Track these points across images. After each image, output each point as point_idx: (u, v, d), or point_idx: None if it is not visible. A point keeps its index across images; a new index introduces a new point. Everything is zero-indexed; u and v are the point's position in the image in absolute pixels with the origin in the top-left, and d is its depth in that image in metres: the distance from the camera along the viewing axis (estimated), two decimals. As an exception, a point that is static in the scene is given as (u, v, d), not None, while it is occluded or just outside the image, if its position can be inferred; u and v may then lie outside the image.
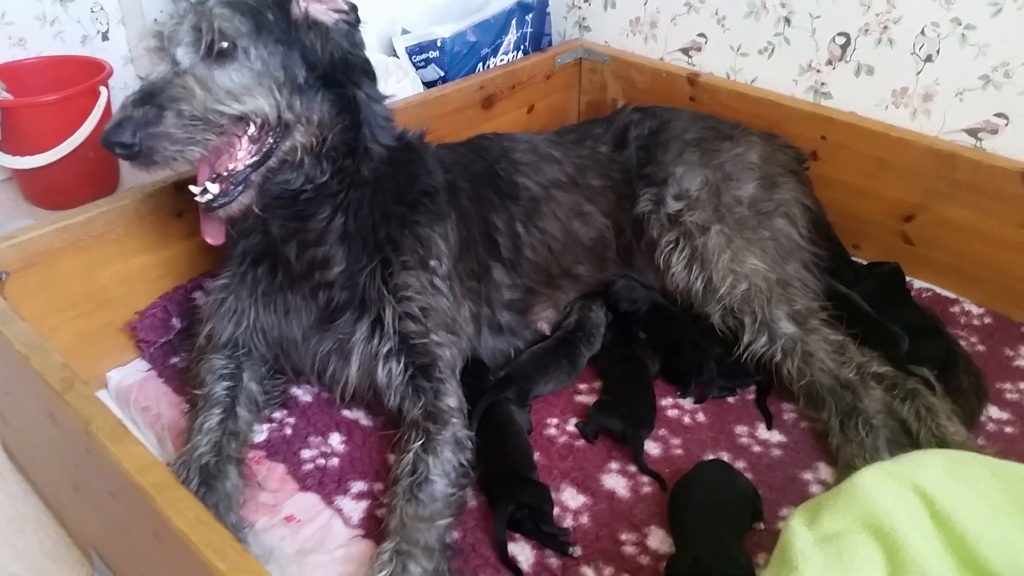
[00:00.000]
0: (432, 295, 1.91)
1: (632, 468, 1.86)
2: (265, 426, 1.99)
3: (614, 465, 1.88)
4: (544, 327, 2.20)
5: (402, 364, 1.85)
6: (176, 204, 2.13)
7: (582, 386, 2.12)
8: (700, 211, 2.19)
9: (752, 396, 2.08)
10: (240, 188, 1.69)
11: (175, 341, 2.15)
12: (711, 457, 1.89)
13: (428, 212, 1.93)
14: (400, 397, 1.85)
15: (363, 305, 1.88)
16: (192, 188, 1.69)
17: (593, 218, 2.27)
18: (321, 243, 1.84)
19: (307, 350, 1.94)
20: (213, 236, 1.76)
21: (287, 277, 1.90)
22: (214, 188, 1.68)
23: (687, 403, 2.06)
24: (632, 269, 2.30)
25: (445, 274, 1.95)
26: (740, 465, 1.87)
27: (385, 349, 1.86)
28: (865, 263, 2.42)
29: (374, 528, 1.69)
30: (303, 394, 2.09)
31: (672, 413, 2.04)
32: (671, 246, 2.20)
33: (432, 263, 1.93)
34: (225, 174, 1.68)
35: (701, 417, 2.03)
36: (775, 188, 2.27)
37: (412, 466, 1.67)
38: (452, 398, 1.83)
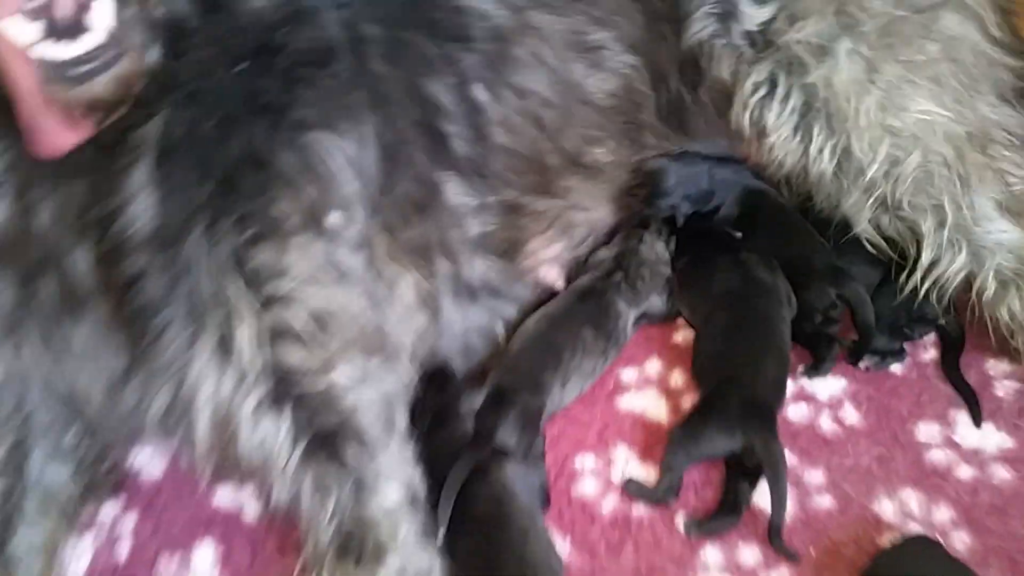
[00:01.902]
0: (334, 284, 0.94)
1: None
2: (86, 540, 1.08)
3: (713, 557, 1.00)
4: (551, 276, 1.24)
5: (284, 429, 0.91)
6: None
7: (628, 371, 1.20)
8: (810, 20, 1.17)
9: (931, 358, 1.17)
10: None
11: None
12: (898, 531, 1.00)
13: (319, 98, 1.03)
14: (292, 492, 0.93)
15: (197, 311, 0.91)
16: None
17: (609, 55, 1.24)
18: (116, 188, 0.88)
19: (117, 407, 0.99)
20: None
21: (64, 286, 0.92)
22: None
23: (822, 385, 1.15)
24: (691, 138, 1.30)
25: (357, 238, 0.98)
26: (942, 515, 1.00)
27: (246, 399, 0.91)
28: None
29: None
30: (148, 463, 1.17)
31: (797, 413, 1.13)
32: (761, 92, 1.20)
33: (332, 217, 0.96)
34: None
35: (851, 415, 1.12)
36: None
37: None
38: (390, 489, 0.92)
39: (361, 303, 0.96)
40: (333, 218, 0.97)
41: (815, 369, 1.13)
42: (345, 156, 1.01)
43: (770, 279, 1.16)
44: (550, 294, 1.22)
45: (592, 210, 1.25)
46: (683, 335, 1.23)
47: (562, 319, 1.15)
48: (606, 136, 1.24)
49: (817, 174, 1.17)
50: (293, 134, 0.97)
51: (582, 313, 1.15)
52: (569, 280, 1.23)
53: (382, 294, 1.01)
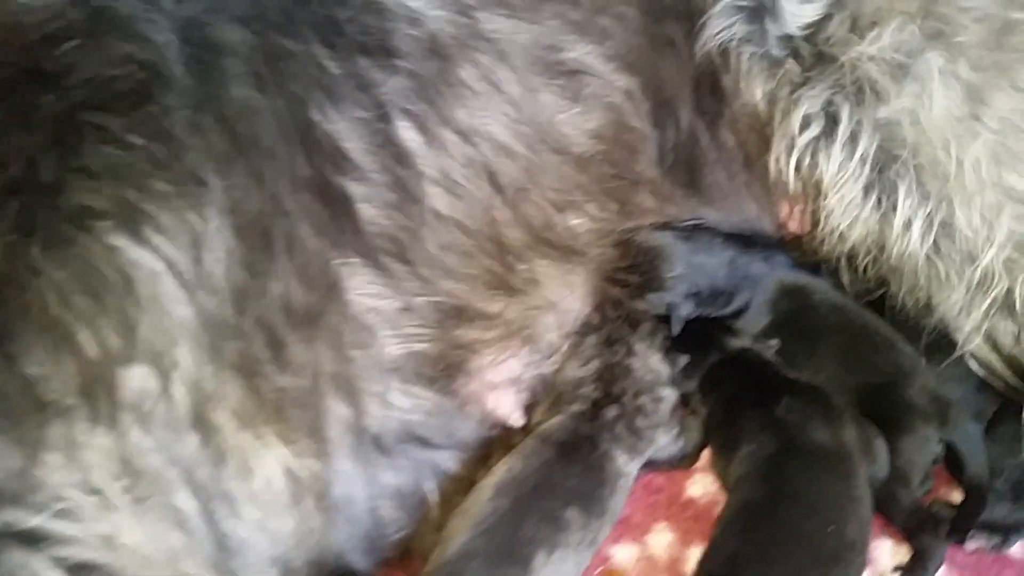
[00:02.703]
0: (129, 508, 0.57)
1: None
2: None
3: None
4: (504, 406, 0.83)
5: None
6: None
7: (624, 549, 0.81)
8: (885, 25, 0.79)
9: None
10: None
11: None
12: None
13: (121, 164, 0.67)
14: None
15: None
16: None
17: (592, 79, 0.84)
18: None
19: None
20: None
21: None
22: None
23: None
24: (707, 201, 0.91)
25: (183, 410, 0.63)
26: None
27: None
28: None
29: None
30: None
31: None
32: (814, 129, 0.83)
33: (135, 380, 0.60)
34: None
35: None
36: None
37: None
38: None
39: (176, 541, 0.57)
40: (136, 381, 0.58)
41: (915, 571, 0.75)
42: (164, 262, 0.62)
43: (829, 438, 0.76)
44: (506, 432, 0.82)
45: (563, 307, 0.85)
46: (702, 487, 0.85)
47: (533, 493, 0.74)
48: (586, 198, 0.83)
49: (900, 256, 0.80)
50: (67, 234, 0.58)
51: (564, 480, 0.76)
52: (529, 410, 0.84)
53: (219, 503, 0.63)
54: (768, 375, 0.82)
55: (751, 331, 0.85)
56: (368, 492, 0.75)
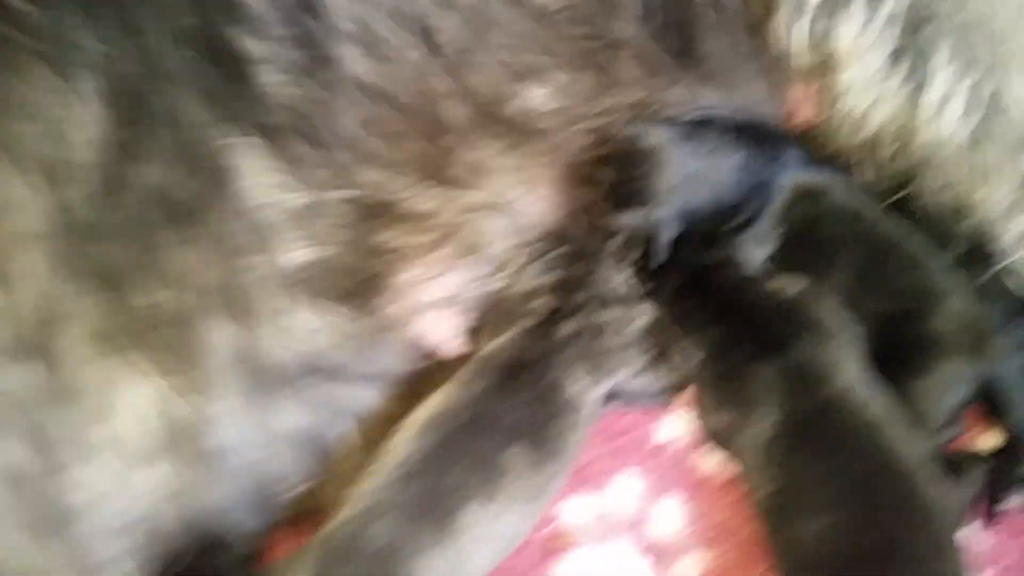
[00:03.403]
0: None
1: None
2: None
3: None
4: (440, 333, 0.64)
5: None
6: None
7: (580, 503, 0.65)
8: None
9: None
10: None
11: None
12: None
13: None
14: None
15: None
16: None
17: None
18: None
19: None
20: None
21: None
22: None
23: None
24: (704, 75, 0.71)
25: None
26: None
27: None
28: None
29: None
30: None
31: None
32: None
33: None
34: None
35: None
36: None
37: None
38: None
39: None
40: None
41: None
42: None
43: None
44: (438, 367, 0.65)
45: (520, 207, 0.66)
46: (674, 430, 0.68)
47: (465, 431, 0.58)
48: (550, 63, 0.64)
49: (935, 142, 0.64)
50: None
51: (505, 413, 0.59)
52: (474, 338, 0.66)
53: (64, 451, 0.48)
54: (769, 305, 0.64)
55: (759, 250, 0.68)
56: (261, 436, 0.58)
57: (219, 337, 0.55)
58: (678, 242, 0.69)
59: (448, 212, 0.62)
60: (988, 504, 0.63)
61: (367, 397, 0.63)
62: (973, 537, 0.61)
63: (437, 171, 0.62)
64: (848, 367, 0.61)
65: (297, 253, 0.58)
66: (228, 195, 0.56)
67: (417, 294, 0.62)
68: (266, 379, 0.57)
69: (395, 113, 0.61)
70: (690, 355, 0.65)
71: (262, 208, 0.57)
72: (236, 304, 0.56)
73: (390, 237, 0.61)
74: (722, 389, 0.64)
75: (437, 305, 0.64)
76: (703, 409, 0.65)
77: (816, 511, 0.55)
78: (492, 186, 0.64)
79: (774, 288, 0.66)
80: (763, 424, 0.60)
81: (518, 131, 0.64)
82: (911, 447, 0.58)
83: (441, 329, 0.65)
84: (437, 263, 0.63)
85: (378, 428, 0.62)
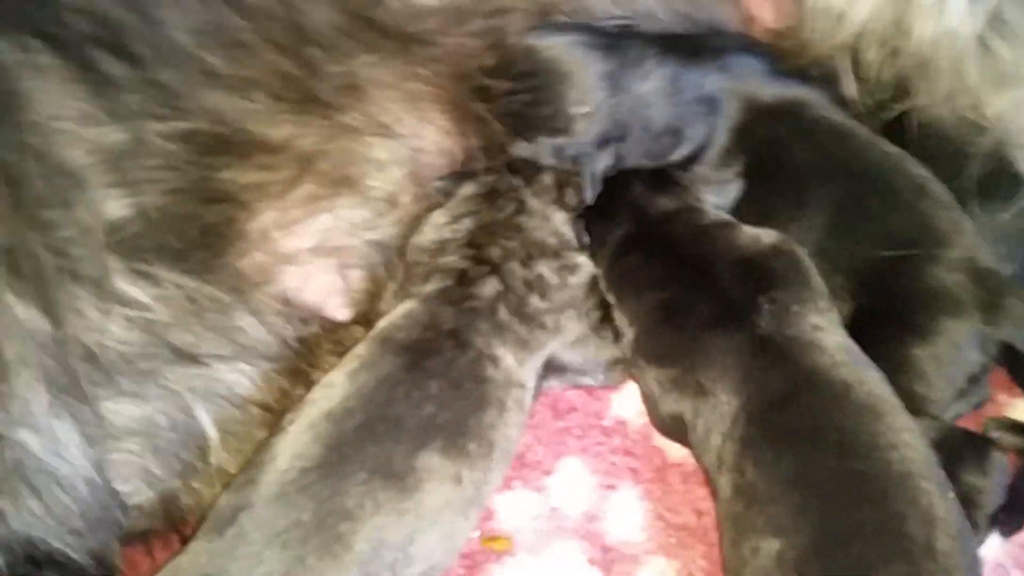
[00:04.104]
0: None
1: None
2: None
3: None
4: (314, 293, 0.53)
5: None
6: None
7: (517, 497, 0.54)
8: None
9: None
10: None
11: None
12: None
13: None
14: None
15: None
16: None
17: None
18: None
19: None
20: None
21: None
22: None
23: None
24: None
25: None
26: None
27: None
28: None
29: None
30: None
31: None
32: None
33: None
34: None
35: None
36: None
37: None
38: None
39: None
40: None
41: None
42: None
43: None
44: (325, 331, 0.54)
45: (402, 132, 0.53)
46: (632, 406, 0.57)
47: (362, 434, 0.46)
48: None
49: (934, 40, 0.50)
50: None
51: (416, 406, 0.47)
52: (364, 299, 0.55)
53: None
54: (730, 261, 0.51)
55: (723, 191, 0.55)
56: (81, 441, 0.46)
57: (16, 321, 0.44)
58: (617, 181, 0.56)
59: (307, 140, 0.50)
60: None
61: (231, 382, 0.51)
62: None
63: (297, 91, 0.50)
64: (829, 337, 0.49)
65: (112, 205, 0.46)
66: (16, 129, 0.45)
67: (276, 243, 0.51)
68: (85, 370, 0.46)
69: (239, 19, 0.49)
70: (632, 323, 0.53)
71: (65, 146, 0.46)
72: (32, 276, 0.44)
73: (235, 175, 0.49)
74: (671, 367, 0.51)
75: (307, 256, 0.52)
76: (649, 393, 0.53)
77: (778, 527, 0.43)
78: (367, 107, 0.51)
79: (743, 240, 0.53)
80: (721, 411, 0.48)
81: (397, 38, 0.51)
82: (910, 440, 0.44)
83: (315, 286, 0.53)
84: (299, 204, 0.51)
85: (245, 421, 0.51)
